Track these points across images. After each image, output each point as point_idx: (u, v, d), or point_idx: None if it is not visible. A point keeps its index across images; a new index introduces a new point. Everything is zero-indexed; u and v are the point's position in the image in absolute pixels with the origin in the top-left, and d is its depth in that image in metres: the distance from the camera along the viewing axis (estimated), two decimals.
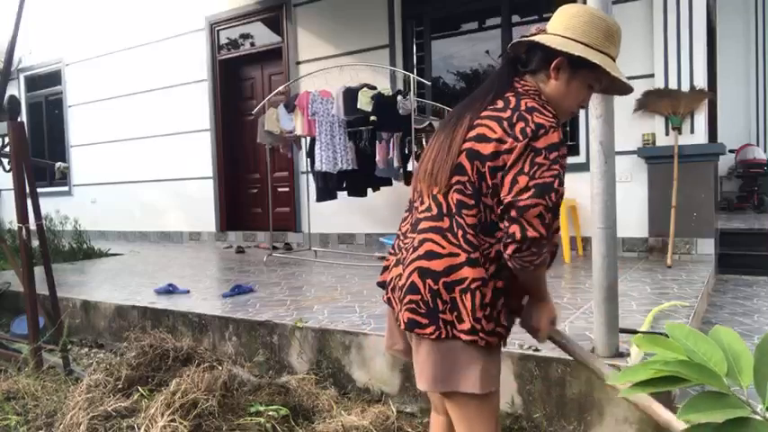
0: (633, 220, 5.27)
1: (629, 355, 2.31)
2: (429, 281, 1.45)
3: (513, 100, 1.45)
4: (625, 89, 1.62)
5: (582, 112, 5.50)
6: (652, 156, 5.20)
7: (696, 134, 5.08)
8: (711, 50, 6.27)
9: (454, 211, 1.45)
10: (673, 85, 5.10)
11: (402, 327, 1.50)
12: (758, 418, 0.97)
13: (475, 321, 1.42)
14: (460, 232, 1.43)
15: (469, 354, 1.45)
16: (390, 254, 1.65)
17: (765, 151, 8.31)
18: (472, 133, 1.45)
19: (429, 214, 1.49)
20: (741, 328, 3.45)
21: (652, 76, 5.20)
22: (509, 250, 1.37)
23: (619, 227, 2.43)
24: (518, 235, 1.35)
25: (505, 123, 1.41)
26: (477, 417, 1.52)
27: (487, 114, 1.45)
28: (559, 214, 1.43)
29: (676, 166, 4.97)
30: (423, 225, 1.50)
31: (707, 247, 5.06)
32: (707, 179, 5.10)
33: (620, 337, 2.39)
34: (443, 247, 1.44)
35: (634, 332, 2.57)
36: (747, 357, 1.10)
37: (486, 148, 1.42)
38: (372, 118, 5.19)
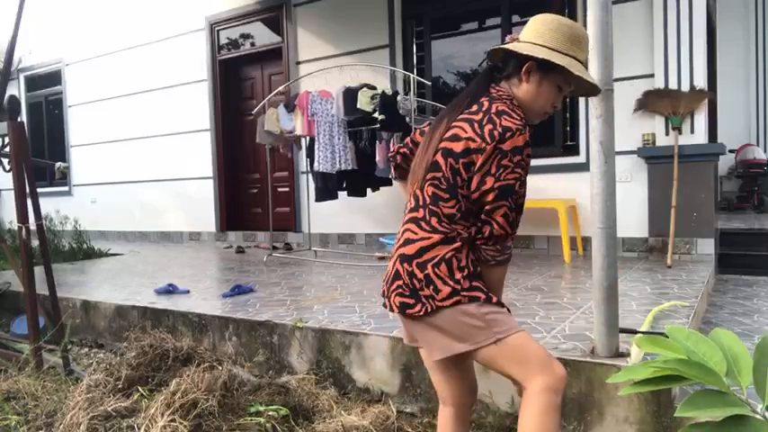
0: (633, 220, 5.27)
1: (629, 355, 2.32)
2: (405, 264, 1.61)
3: (486, 104, 1.60)
4: (592, 90, 1.76)
5: (582, 112, 5.54)
6: (652, 156, 5.20)
7: (696, 134, 5.08)
8: (711, 50, 6.27)
9: (429, 202, 1.61)
10: (673, 85, 5.10)
11: (396, 312, 1.65)
12: (757, 416, 0.97)
13: (454, 283, 1.57)
14: (434, 219, 1.59)
15: (463, 313, 1.57)
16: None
17: (765, 151, 8.31)
18: (448, 134, 1.61)
19: (410, 208, 1.68)
20: (741, 328, 3.45)
21: (652, 76, 5.20)
22: (478, 243, 1.58)
23: (619, 227, 2.43)
24: (487, 233, 1.55)
25: (476, 125, 1.56)
26: (511, 357, 1.61)
27: (462, 117, 1.61)
28: (522, 210, 1.61)
29: (676, 166, 4.97)
30: (405, 219, 1.68)
31: (707, 247, 5.06)
32: (707, 179, 5.10)
33: (620, 337, 2.39)
34: (416, 234, 1.62)
35: (634, 332, 2.57)
36: (746, 358, 1.11)
37: (458, 147, 1.57)
38: (381, 117, 5.18)
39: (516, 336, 1.60)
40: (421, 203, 1.62)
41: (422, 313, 1.58)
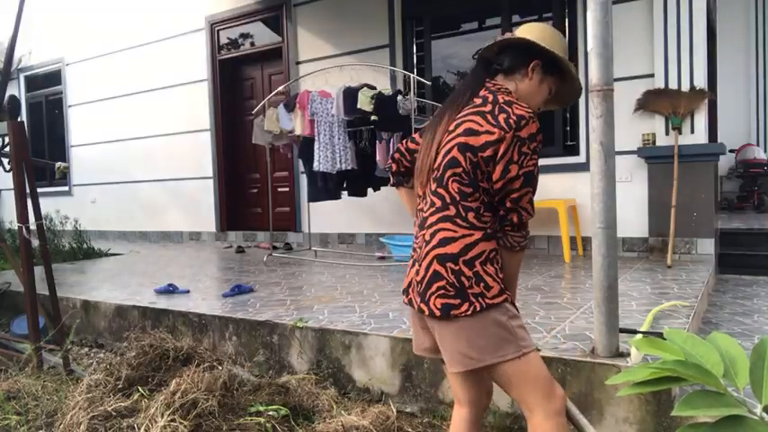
0: (633, 220, 5.27)
1: (629, 355, 2.32)
2: (449, 264, 1.57)
3: (489, 96, 1.62)
4: (567, 100, 1.87)
5: (582, 112, 5.54)
6: (652, 156, 5.20)
7: (696, 134, 5.08)
8: (711, 50, 6.26)
9: (458, 199, 1.59)
10: (673, 85, 5.09)
11: (437, 314, 1.58)
12: (754, 417, 0.97)
13: (501, 282, 1.60)
14: (471, 214, 1.58)
15: (499, 323, 1.57)
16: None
17: (765, 151, 8.31)
18: (459, 129, 1.61)
19: (434, 208, 1.63)
20: (741, 328, 3.45)
21: (652, 76, 5.20)
22: (506, 230, 1.59)
23: (619, 227, 2.43)
24: (516, 220, 1.58)
25: (489, 116, 1.57)
26: (526, 376, 1.60)
27: (469, 111, 1.62)
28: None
29: (676, 166, 4.97)
30: (430, 220, 1.63)
31: (707, 247, 5.06)
32: (707, 179, 5.10)
33: (620, 337, 2.40)
34: (456, 231, 1.58)
35: (634, 332, 2.57)
36: (743, 360, 1.11)
37: (477, 141, 1.56)
38: (373, 118, 5.17)
39: (533, 354, 1.61)
40: (449, 201, 1.60)
41: (469, 313, 1.54)
